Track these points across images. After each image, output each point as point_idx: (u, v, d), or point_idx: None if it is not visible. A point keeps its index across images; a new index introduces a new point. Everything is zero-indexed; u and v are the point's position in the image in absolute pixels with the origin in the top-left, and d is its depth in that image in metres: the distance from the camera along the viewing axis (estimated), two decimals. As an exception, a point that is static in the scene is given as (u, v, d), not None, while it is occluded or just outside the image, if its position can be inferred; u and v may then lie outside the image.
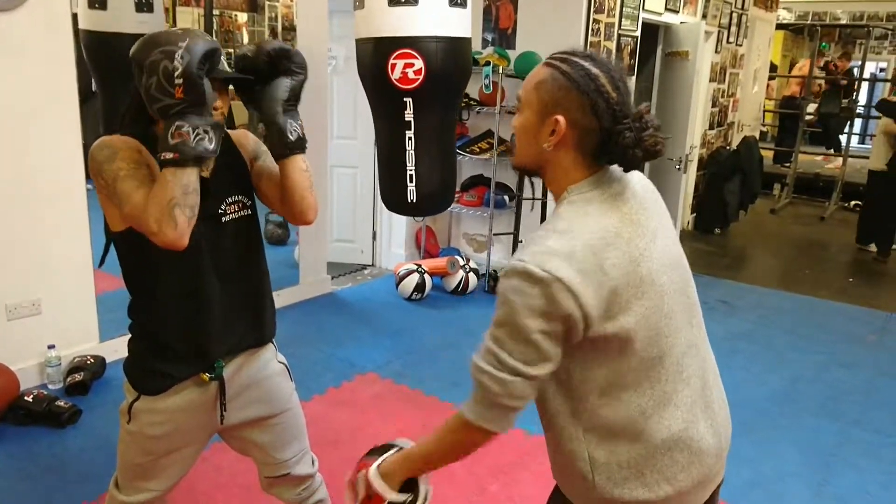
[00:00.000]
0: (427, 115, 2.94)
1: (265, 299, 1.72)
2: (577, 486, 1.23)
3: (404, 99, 2.89)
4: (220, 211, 1.57)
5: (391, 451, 1.34)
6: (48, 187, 3.07)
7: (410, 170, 2.99)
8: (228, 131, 1.66)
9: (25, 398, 2.89)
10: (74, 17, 3.32)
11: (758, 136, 8.99)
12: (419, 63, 2.82)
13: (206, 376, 1.59)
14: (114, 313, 3.43)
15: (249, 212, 1.63)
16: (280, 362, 1.79)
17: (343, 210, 5.17)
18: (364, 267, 5.28)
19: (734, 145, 7.51)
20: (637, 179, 1.26)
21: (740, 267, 6.16)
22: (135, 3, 3.78)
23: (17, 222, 3.01)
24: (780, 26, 10.36)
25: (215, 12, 9.72)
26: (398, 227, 5.18)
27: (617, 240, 1.13)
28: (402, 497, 1.28)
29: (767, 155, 9.85)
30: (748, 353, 4.04)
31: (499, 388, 1.12)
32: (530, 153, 1.21)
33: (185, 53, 1.32)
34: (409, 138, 2.95)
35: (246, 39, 10.17)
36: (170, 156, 1.34)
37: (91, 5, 3.74)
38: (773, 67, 11.87)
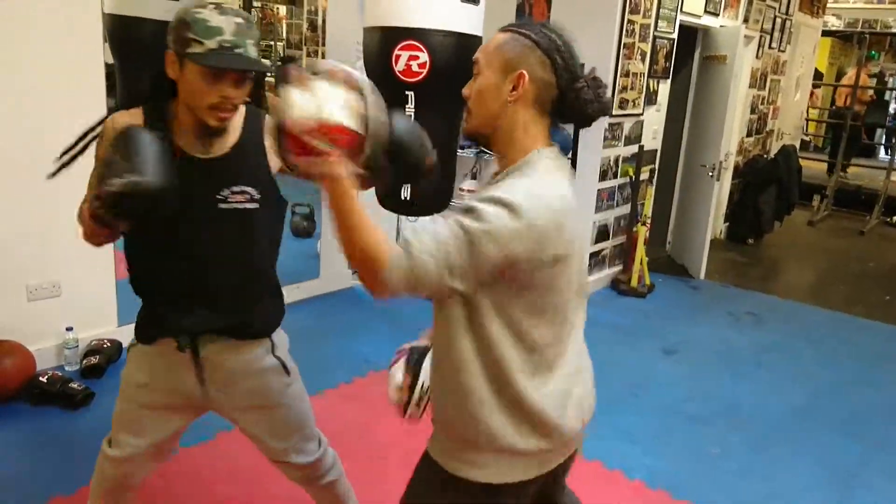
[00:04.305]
0: (429, 111, 2.88)
1: (253, 294, 1.69)
2: (463, 428, 1.31)
3: (406, 92, 2.85)
4: (218, 196, 1.56)
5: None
6: (71, 169, 3.11)
7: None
8: (268, 116, 1.60)
9: (40, 378, 2.94)
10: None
11: (798, 146, 8.76)
12: (424, 56, 2.76)
13: (175, 342, 1.62)
14: (133, 298, 3.46)
15: (257, 206, 1.59)
16: (277, 357, 1.76)
17: (367, 205, 5.15)
18: (387, 262, 5.27)
19: (773, 154, 7.32)
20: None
21: (771, 279, 6.00)
22: (160, -12, 3.79)
23: (39, 203, 3.05)
24: (826, 33, 10.09)
25: (257, 3, 9.78)
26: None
27: (569, 208, 1.23)
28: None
29: (810, 165, 9.60)
30: (771, 367, 3.93)
31: (423, 255, 1.15)
32: (489, 113, 1.27)
33: (116, 187, 1.32)
34: None
35: (284, 31, 10.21)
36: (87, 208, 1.42)
37: (116, -12, 3.77)
38: (819, 75, 11.57)
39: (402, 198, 3.14)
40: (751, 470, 2.91)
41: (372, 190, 3.15)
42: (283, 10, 9.52)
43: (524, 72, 1.23)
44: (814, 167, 9.66)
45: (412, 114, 2.97)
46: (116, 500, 1.80)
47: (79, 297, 3.27)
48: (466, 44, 2.97)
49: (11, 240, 3.02)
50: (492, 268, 1.16)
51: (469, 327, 1.24)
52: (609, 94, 1.24)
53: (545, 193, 1.20)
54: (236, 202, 1.57)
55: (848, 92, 9.68)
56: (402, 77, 2.89)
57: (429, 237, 1.15)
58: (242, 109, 1.60)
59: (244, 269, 1.66)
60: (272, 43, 9.96)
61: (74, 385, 2.95)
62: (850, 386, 3.79)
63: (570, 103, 1.25)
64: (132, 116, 1.53)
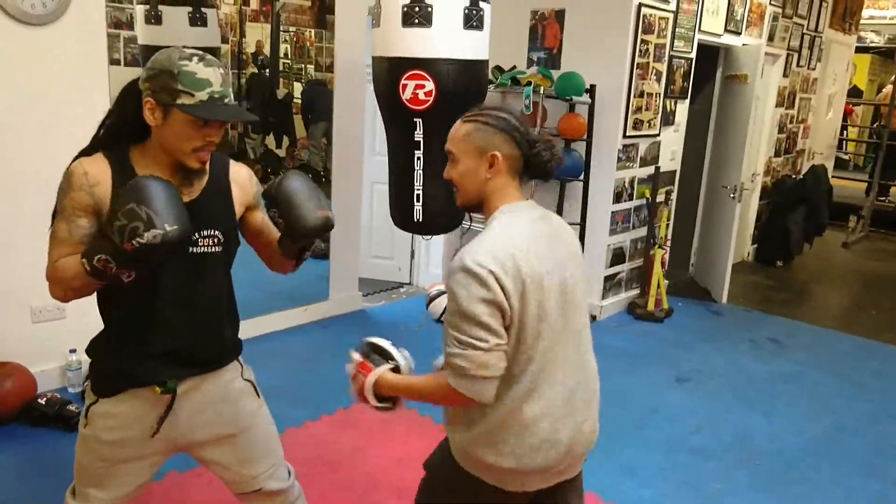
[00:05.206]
0: (437, 136, 2.89)
1: (220, 328, 1.70)
2: (456, 434, 1.56)
3: (414, 119, 2.87)
4: (190, 239, 1.56)
5: (387, 366, 1.62)
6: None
7: (418, 189, 2.98)
8: (231, 163, 1.69)
9: (39, 400, 2.97)
10: (121, 24, 3.44)
11: (833, 165, 8.52)
12: (430, 85, 2.78)
13: (158, 389, 1.60)
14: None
15: (221, 249, 1.62)
16: (246, 380, 1.78)
17: (382, 227, 5.15)
18: (401, 285, 5.25)
19: (803, 174, 7.12)
20: (565, 225, 1.64)
21: (798, 303, 5.80)
22: (188, 17, 3.90)
23: (44, 226, 3.10)
24: (863, 49, 9.82)
25: (291, 28, 9.97)
26: (436, 246, 5.12)
27: (529, 249, 1.46)
28: (384, 405, 1.63)
29: (847, 185, 9.31)
30: (790, 398, 3.78)
31: (464, 363, 1.42)
32: (475, 189, 1.55)
33: (159, 238, 1.36)
34: (418, 158, 2.93)
35: (313, 54, 10.37)
36: (87, 266, 1.42)
37: (147, 21, 3.88)
38: (858, 92, 11.27)
39: (416, 220, 3.17)
40: (757, 508, 2.78)
41: (387, 212, 3.18)
42: (312, 34, 9.67)
43: (497, 153, 1.51)
44: (851, 187, 9.38)
45: (420, 140, 2.98)
46: None
47: (83, 320, 3.26)
48: (472, 69, 2.96)
49: (16, 262, 3.07)
50: (489, 317, 1.41)
51: None
52: (558, 149, 1.73)
53: (493, 249, 1.45)
54: (205, 246, 1.60)
55: (886, 110, 9.38)
56: (410, 105, 2.91)
57: (455, 346, 1.43)
58: None
59: (213, 310, 1.67)
60: (303, 66, 10.12)
61: (72, 407, 2.97)
62: (876, 419, 3.61)
63: (534, 165, 1.55)
64: (97, 162, 1.52)
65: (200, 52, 1.48)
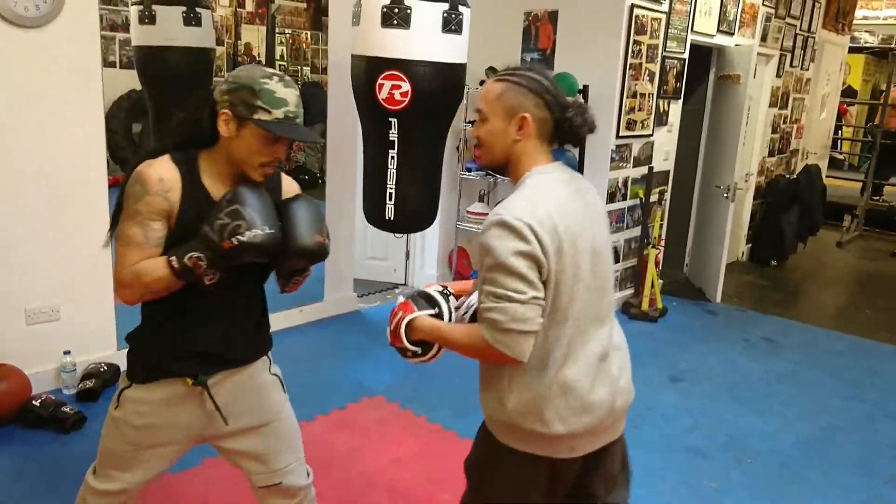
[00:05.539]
0: (412, 137, 2.94)
1: (256, 329, 1.78)
2: (496, 411, 1.54)
3: (389, 119, 2.89)
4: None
5: (429, 311, 1.59)
6: (71, 194, 3.17)
7: (390, 188, 3.01)
8: (283, 176, 1.77)
9: (34, 402, 2.97)
10: (116, 27, 3.44)
11: (827, 165, 8.55)
12: (406, 86, 2.81)
13: (190, 381, 1.65)
14: (132, 322, 3.49)
15: (266, 259, 1.64)
16: (273, 374, 1.84)
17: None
18: (396, 286, 5.25)
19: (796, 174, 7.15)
20: (592, 188, 1.64)
21: (793, 302, 5.82)
22: (182, 17, 3.90)
23: (39, 228, 3.11)
24: (856, 49, 9.86)
25: (287, 31, 9.96)
26: (431, 247, 5.13)
27: (564, 209, 1.46)
28: (413, 348, 1.60)
29: (842, 184, 9.35)
30: (784, 397, 3.79)
31: (499, 316, 1.39)
32: (501, 150, 1.54)
33: (259, 238, 1.48)
34: (392, 157, 2.96)
35: (309, 56, 10.36)
36: (176, 265, 1.50)
37: (141, 21, 3.88)
38: (853, 93, 11.31)
39: (388, 218, 3.20)
40: (751, 507, 2.79)
41: (361, 211, 3.18)
42: (308, 36, 9.66)
43: (527, 115, 1.49)
44: (846, 186, 9.41)
45: (395, 139, 3.00)
46: None
47: (77, 322, 3.31)
48: (449, 72, 2.98)
49: (11, 264, 3.07)
50: (527, 269, 1.39)
51: None
52: (592, 113, 1.58)
53: (531, 205, 1.44)
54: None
55: (880, 110, 9.41)
56: (386, 105, 2.92)
57: (490, 300, 1.41)
58: None
59: (252, 313, 1.76)
60: (299, 68, 10.11)
61: (66, 409, 2.97)
62: (871, 419, 3.63)
63: (565, 129, 1.53)
64: (167, 167, 1.56)
65: (280, 73, 1.56)
